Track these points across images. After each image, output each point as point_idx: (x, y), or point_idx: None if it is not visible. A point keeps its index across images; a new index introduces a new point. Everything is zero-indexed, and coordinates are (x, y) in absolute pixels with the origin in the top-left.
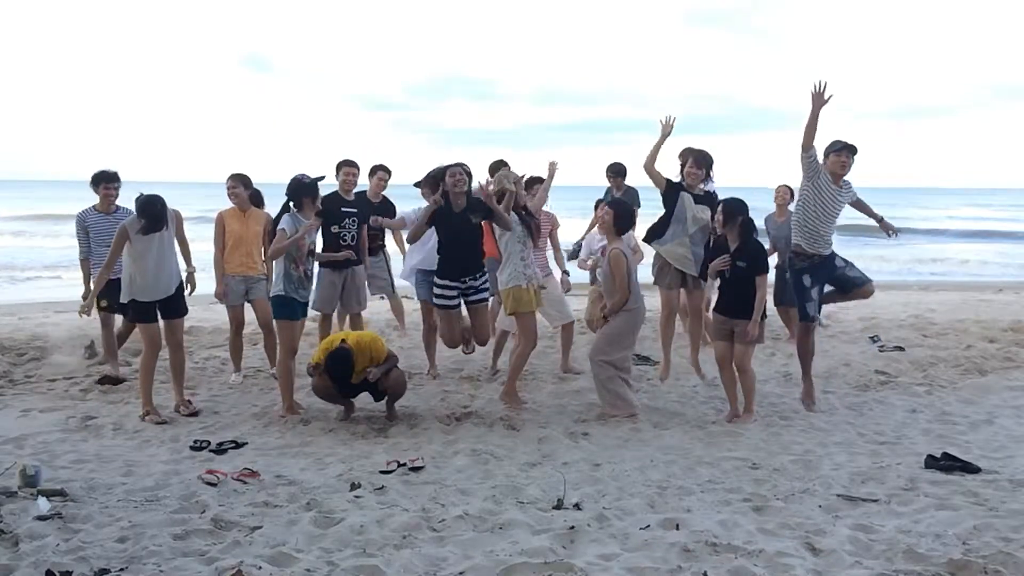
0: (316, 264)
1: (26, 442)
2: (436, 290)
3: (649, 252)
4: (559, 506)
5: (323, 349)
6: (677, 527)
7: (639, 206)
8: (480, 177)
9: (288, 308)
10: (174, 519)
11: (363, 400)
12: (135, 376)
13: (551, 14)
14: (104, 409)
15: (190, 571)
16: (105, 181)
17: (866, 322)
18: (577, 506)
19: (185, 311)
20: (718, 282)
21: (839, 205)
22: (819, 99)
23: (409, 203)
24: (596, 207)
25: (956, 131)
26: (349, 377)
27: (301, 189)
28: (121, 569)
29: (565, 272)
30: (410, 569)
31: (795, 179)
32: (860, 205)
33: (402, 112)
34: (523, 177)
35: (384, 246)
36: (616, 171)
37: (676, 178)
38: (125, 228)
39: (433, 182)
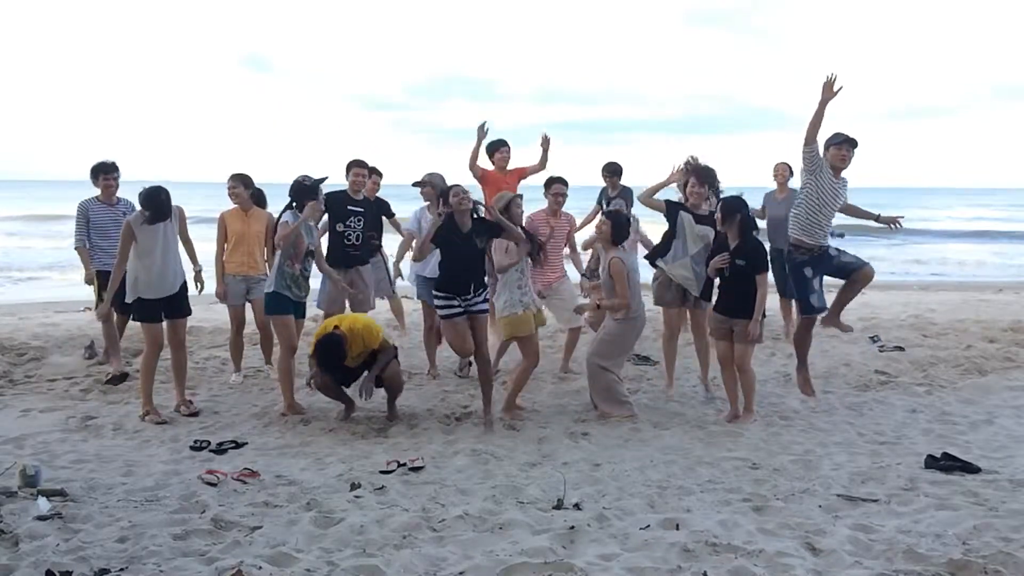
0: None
1: (26, 442)
2: (437, 301)
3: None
4: (559, 506)
5: (317, 335)
6: (677, 527)
7: (632, 205)
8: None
9: (280, 305)
10: (174, 519)
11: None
12: (136, 377)
13: (551, 14)
14: (104, 409)
15: (190, 571)
16: (103, 172)
17: (866, 322)
18: (577, 506)
19: (189, 311)
20: (717, 281)
21: (840, 198)
22: (829, 90)
23: (410, 203)
24: (600, 200)
25: (956, 131)
26: (341, 364)
27: (302, 192)
28: (121, 569)
29: (584, 275)
30: (410, 569)
31: (793, 181)
32: (851, 209)
33: (402, 112)
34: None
35: (381, 246)
36: (612, 171)
37: (677, 196)
38: (129, 224)
39: (437, 199)
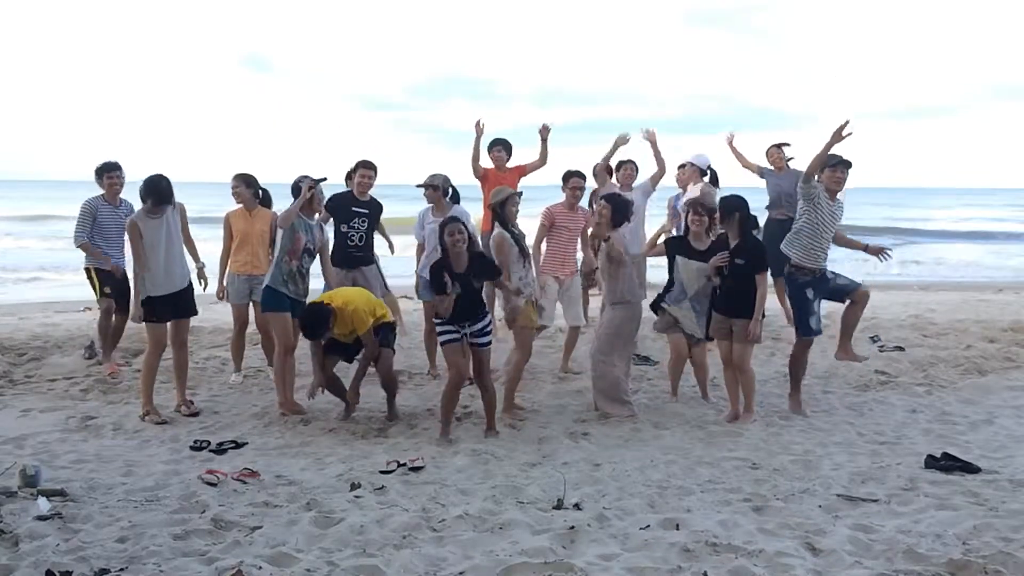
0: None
1: (26, 442)
2: (438, 327)
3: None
4: (559, 506)
5: (316, 300)
6: (677, 527)
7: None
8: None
9: (276, 301)
10: (174, 519)
11: (363, 400)
12: (136, 376)
13: (551, 14)
14: (104, 409)
15: (190, 571)
16: (108, 171)
17: (866, 322)
18: (577, 506)
19: (196, 311)
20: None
21: (837, 219)
22: (838, 136)
23: (409, 204)
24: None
25: (956, 131)
26: (319, 335)
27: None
28: (121, 569)
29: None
30: (410, 569)
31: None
32: (842, 240)
33: (402, 112)
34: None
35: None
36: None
37: (679, 197)
38: (134, 221)
39: (441, 200)
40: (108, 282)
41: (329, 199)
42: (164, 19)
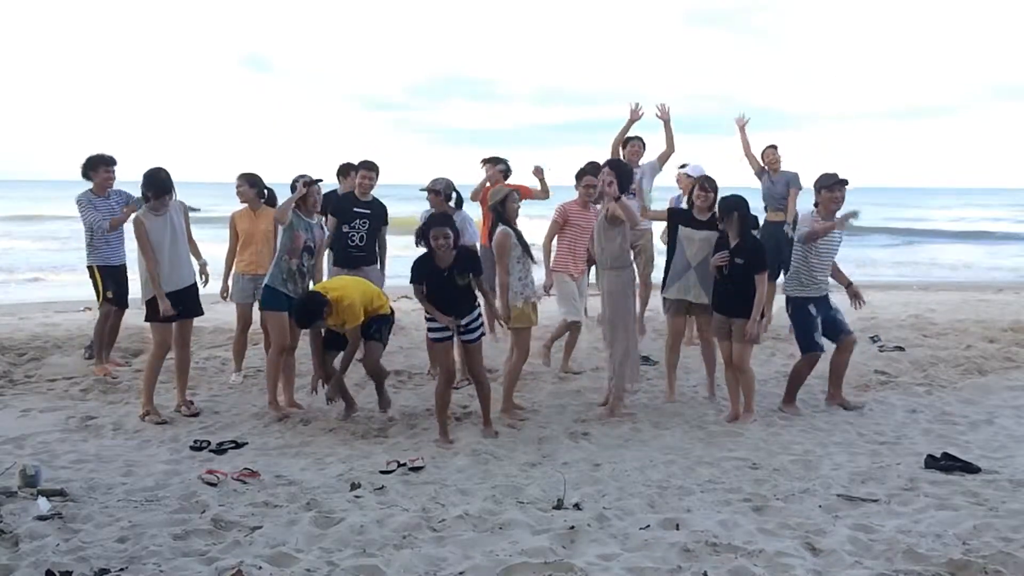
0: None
1: (26, 442)
2: (428, 324)
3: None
4: (559, 506)
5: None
6: (677, 527)
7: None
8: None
9: (274, 300)
10: (174, 519)
11: (364, 400)
12: (136, 377)
13: (551, 14)
14: (104, 409)
15: (190, 571)
16: (105, 164)
17: (866, 322)
18: (577, 506)
19: (201, 312)
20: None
21: (837, 241)
22: (827, 231)
23: (409, 204)
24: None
25: (956, 131)
26: (310, 324)
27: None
28: (121, 569)
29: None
30: (410, 569)
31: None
32: (832, 268)
33: (402, 112)
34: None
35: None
36: (596, 169)
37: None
38: (140, 219)
39: (444, 203)
40: (111, 284)
41: (332, 199)
42: (164, 19)
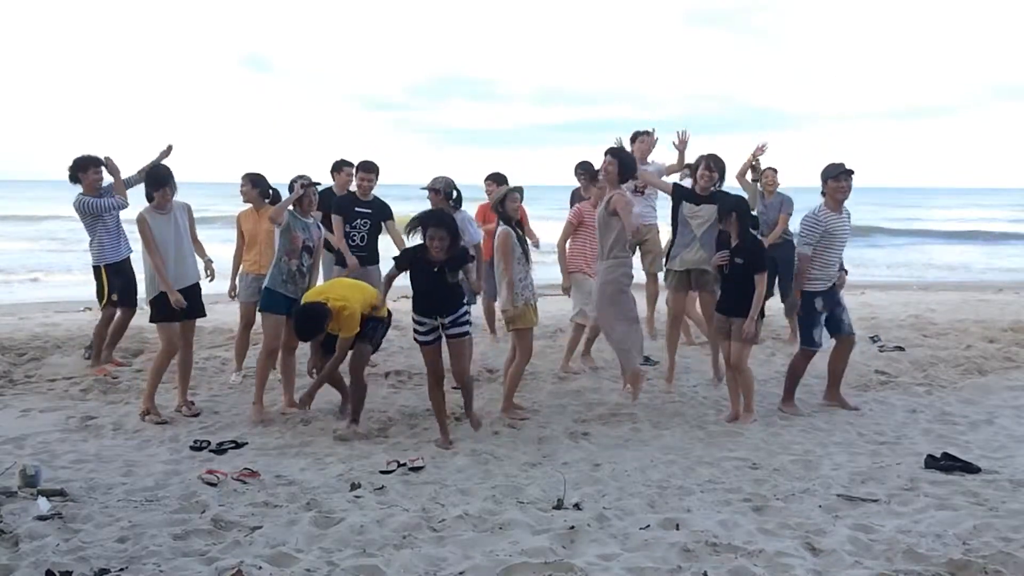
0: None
1: (26, 442)
2: (415, 326)
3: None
4: (559, 506)
5: (311, 294)
6: (677, 527)
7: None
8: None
9: (273, 302)
10: (174, 519)
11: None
12: (136, 377)
13: (551, 14)
14: (104, 409)
15: (190, 571)
16: (94, 165)
17: (866, 322)
18: (577, 506)
19: (203, 313)
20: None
21: (848, 231)
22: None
23: (408, 204)
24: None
25: (956, 131)
26: (312, 336)
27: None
28: (121, 569)
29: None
30: (410, 569)
31: (792, 179)
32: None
33: (402, 112)
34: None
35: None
36: (587, 169)
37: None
38: (143, 216)
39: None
40: (116, 286)
41: (334, 199)
42: (164, 19)
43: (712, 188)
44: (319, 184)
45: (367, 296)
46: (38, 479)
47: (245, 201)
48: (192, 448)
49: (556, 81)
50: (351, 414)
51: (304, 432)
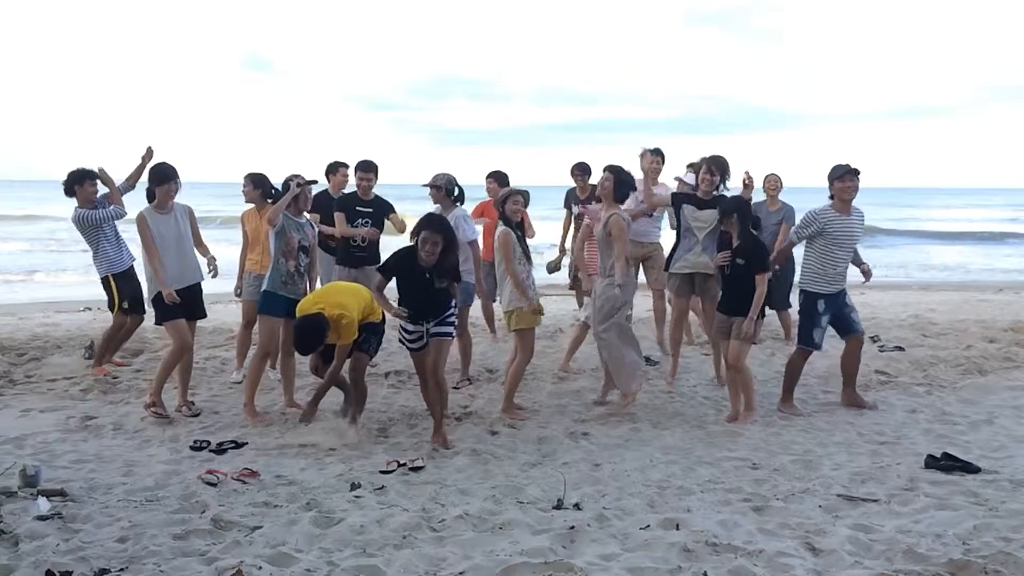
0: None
1: (26, 442)
2: (404, 335)
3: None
4: (559, 506)
5: (300, 311)
6: (677, 527)
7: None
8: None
9: (271, 304)
10: (174, 519)
11: (366, 401)
12: (136, 376)
13: (551, 14)
14: (104, 409)
15: (190, 571)
16: (90, 178)
17: (866, 322)
18: (577, 506)
19: (204, 314)
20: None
21: (856, 233)
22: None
23: (408, 204)
24: (567, 203)
25: (955, 131)
26: (314, 350)
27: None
28: (121, 569)
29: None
30: (410, 569)
31: (792, 179)
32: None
33: (402, 112)
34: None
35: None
36: (584, 170)
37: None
38: (143, 215)
39: (447, 200)
40: (127, 294)
41: (335, 199)
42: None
43: (714, 192)
44: (315, 182)
45: (363, 301)
46: (38, 479)
47: (247, 201)
48: (192, 448)
49: (556, 81)
50: (351, 415)
51: (304, 432)
